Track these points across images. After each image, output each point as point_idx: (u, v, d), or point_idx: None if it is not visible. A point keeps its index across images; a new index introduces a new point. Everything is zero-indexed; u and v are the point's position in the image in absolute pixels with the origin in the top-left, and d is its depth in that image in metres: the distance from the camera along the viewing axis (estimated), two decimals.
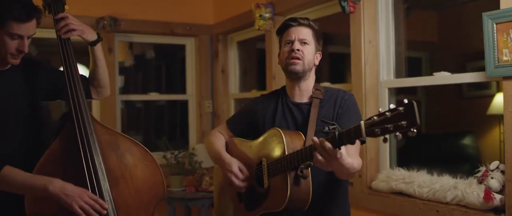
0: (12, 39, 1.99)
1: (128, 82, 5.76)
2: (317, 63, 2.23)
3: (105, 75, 2.31)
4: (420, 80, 3.05)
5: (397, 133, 1.52)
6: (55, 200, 1.86)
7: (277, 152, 2.06)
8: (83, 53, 2.31)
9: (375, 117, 1.59)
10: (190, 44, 5.07)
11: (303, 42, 2.15)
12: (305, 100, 2.22)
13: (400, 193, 2.94)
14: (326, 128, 1.79)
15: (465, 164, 4.12)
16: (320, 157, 1.77)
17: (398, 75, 3.22)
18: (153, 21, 4.69)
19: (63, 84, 2.26)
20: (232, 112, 4.95)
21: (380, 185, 3.05)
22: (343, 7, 3.18)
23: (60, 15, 2.15)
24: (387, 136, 1.56)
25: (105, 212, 1.90)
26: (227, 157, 2.28)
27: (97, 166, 1.94)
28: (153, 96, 5.19)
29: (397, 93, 3.26)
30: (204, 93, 4.99)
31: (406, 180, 2.91)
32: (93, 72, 2.29)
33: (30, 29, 2.01)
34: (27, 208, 1.95)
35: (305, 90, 2.22)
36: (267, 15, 3.97)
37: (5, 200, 2.03)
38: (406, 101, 1.52)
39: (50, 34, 2.49)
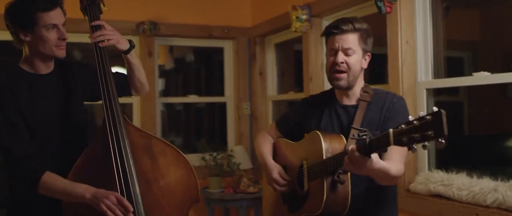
0: (50, 31, 2.07)
1: (168, 85, 5.87)
2: (365, 66, 2.17)
3: (141, 75, 2.38)
4: (459, 81, 2.98)
5: (426, 143, 1.45)
6: (91, 204, 1.92)
7: (316, 155, 2.03)
8: (119, 56, 2.37)
9: (403, 126, 1.53)
10: (228, 47, 5.11)
11: (347, 53, 2.08)
12: (353, 102, 2.18)
13: (439, 196, 2.88)
14: (356, 135, 1.75)
15: (507, 166, 3.99)
16: (349, 162, 1.75)
17: (437, 75, 3.16)
18: (192, 25, 4.75)
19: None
20: (270, 114, 4.96)
21: (418, 187, 2.99)
22: (379, 8, 3.14)
23: (96, 22, 2.21)
24: (415, 145, 1.49)
25: (130, 214, 1.93)
26: (269, 161, 2.30)
27: (127, 168, 1.98)
28: (192, 98, 5.26)
29: (437, 93, 3.20)
30: (242, 95, 5.02)
31: (444, 182, 2.85)
32: (129, 75, 2.36)
33: (59, 17, 2.11)
34: (64, 211, 2.02)
35: (353, 93, 2.18)
36: (304, 17, 3.96)
37: (44, 201, 2.10)
38: (435, 109, 1.44)
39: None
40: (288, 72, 5.08)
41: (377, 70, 4.96)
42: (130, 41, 2.27)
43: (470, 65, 5.23)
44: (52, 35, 2.08)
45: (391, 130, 1.58)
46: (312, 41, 4.02)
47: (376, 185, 2.01)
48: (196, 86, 6.42)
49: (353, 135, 1.83)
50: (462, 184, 2.75)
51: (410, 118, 1.52)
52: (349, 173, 1.96)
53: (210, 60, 6.10)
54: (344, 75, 2.09)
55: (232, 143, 5.03)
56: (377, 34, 4.55)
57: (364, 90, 2.16)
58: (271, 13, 4.62)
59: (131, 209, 1.93)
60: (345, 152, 1.81)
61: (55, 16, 2.08)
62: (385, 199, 2.16)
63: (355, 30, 2.09)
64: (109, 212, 1.89)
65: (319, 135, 2.05)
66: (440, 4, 3.24)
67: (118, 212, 1.90)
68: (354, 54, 2.09)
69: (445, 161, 3.17)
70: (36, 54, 2.12)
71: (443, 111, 1.42)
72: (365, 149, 1.69)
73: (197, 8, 4.81)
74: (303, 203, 2.11)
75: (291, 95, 4.65)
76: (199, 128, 6.24)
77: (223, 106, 5.25)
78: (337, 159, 1.88)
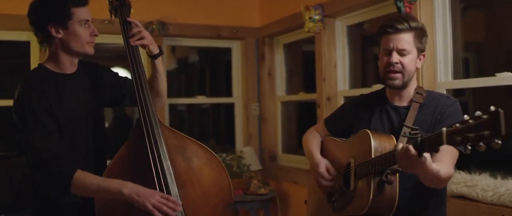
0: (83, 26, 2.04)
1: (171, 85, 5.81)
2: (419, 66, 2.12)
3: (163, 85, 2.33)
4: (481, 81, 2.97)
5: (481, 144, 1.39)
6: (128, 201, 1.88)
7: (364, 154, 2.00)
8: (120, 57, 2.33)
9: (457, 124, 1.48)
10: (236, 47, 5.07)
11: (402, 53, 2.03)
12: (404, 103, 2.13)
13: (462, 197, 2.87)
14: (408, 133, 1.72)
15: None
16: (401, 161, 1.72)
17: (456, 76, 3.15)
18: (200, 25, 4.71)
19: (126, 90, 2.31)
20: (278, 115, 4.93)
21: None
22: (398, 8, 3.13)
23: (131, 20, 2.19)
24: (469, 146, 1.43)
25: (178, 211, 1.91)
26: (317, 156, 2.29)
27: (165, 170, 1.95)
28: (200, 99, 5.22)
29: (454, 94, 3.18)
30: (250, 96, 4.99)
31: (468, 183, 2.84)
32: (151, 83, 2.30)
33: (89, 13, 2.08)
34: (98, 210, 1.98)
35: (406, 94, 2.13)
36: (317, 17, 3.94)
37: (72, 204, 2.06)
38: (492, 108, 1.38)
39: (106, 39, 2.54)
40: (296, 72, 5.05)
41: None
42: (160, 47, 2.25)
43: (475, 66, 5.24)
44: (85, 31, 2.05)
45: (444, 129, 1.53)
46: (325, 42, 4.00)
47: (425, 187, 1.97)
48: (200, 86, 6.37)
49: (405, 133, 1.79)
50: (486, 185, 2.74)
51: (466, 117, 1.47)
52: (397, 175, 1.92)
53: (215, 61, 6.06)
54: (398, 75, 2.05)
55: (241, 144, 5.00)
56: None
57: (417, 91, 2.12)
58: (280, 13, 4.60)
59: (180, 203, 1.91)
60: (394, 151, 1.78)
61: (87, 12, 2.06)
62: (434, 203, 2.12)
63: (410, 29, 2.04)
64: (156, 211, 1.86)
65: (368, 133, 2.01)
66: (458, 4, 3.24)
67: (166, 209, 1.87)
68: (409, 54, 2.04)
69: (466, 162, 3.15)
70: (66, 51, 2.07)
71: (501, 110, 1.37)
72: (417, 147, 1.65)
73: (206, 8, 4.77)
74: (349, 202, 2.07)
75: (301, 96, 4.63)
76: (203, 130, 6.19)
77: (228, 107, 5.21)
78: (386, 158, 1.84)
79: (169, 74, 5.75)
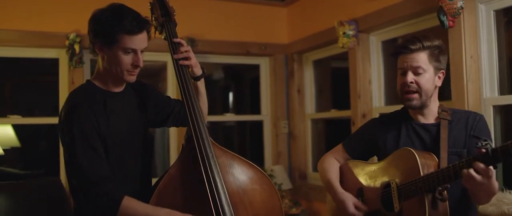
0: (126, 54, 1.95)
1: None
2: (439, 84, 2.11)
3: (205, 107, 2.27)
4: None
5: None
6: None
7: (409, 173, 1.94)
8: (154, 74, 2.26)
9: None
10: (264, 64, 5.01)
11: (417, 72, 2.03)
12: (431, 121, 2.12)
13: None
14: (479, 144, 1.67)
15: None
16: (474, 175, 1.67)
17: (502, 92, 3.04)
18: (229, 41, 4.66)
19: (170, 110, 2.26)
20: (308, 132, 4.83)
21: (489, 209, 2.84)
22: (442, 22, 3.04)
23: (178, 40, 2.15)
24: None
25: None
26: (339, 192, 2.18)
27: (220, 190, 1.86)
28: (229, 116, 5.14)
29: (502, 111, 3.08)
30: (279, 113, 4.90)
31: None
32: None
33: (142, 42, 1.98)
34: None
35: (430, 112, 2.12)
36: (351, 32, 3.87)
37: None
38: None
39: (146, 57, 2.47)
40: (325, 89, 4.96)
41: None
42: (202, 68, 2.19)
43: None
44: (126, 60, 1.96)
45: None
46: (359, 57, 3.92)
47: (463, 205, 1.98)
48: (225, 104, 6.31)
49: (477, 144, 1.75)
50: None
51: None
52: (446, 192, 1.86)
53: (240, 78, 5.99)
54: (415, 95, 2.05)
55: (270, 163, 4.89)
56: None
57: (442, 109, 2.11)
58: (309, 29, 4.54)
59: None
60: (457, 165, 1.75)
61: (137, 41, 1.95)
62: None
63: (424, 48, 2.04)
64: None
65: (413, 152, 1.97)
66: (502, 18, 3.14)
67: None
68: (425, 73, 2.04)
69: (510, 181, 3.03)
70: (108, 71, 2.00)
71: None
72: (488, 158, 1.63)
73: (235, 25, 4.72)
74: None
75: (333, 113, 4.53)
76: (229, 147, 6.12)
77: (254, 124, 5.12)
78: (443, 174, 1.81)
79: None
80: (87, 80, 2.06)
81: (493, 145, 1.68)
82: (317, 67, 4.89)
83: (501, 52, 3.09)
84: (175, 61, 2.10)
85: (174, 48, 2.13)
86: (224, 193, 1.87)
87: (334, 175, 2.26)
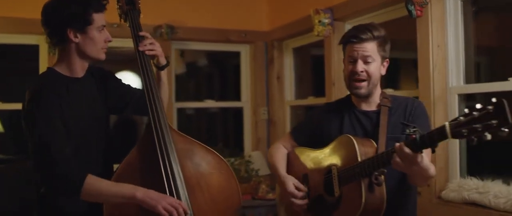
0: (100, 32, 2.05)
1: (179, 89, 5.81)
2: (383, 72, 2.18)
3: (166, 97, 2.32)
4: (493, 86, 2.92)
5: (486, 134, 1.47)
6: (141, 205, 1.87)
7: (348, 159, 2.02)
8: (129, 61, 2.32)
9: (461, 118, 1.54)
10: (245, 51, 5.06)
11: (366, 61, 2.09)
12: (372, 108, 2.19)
13: (473, 204, 2.82)
14: (407, 130, 1.75)
15: None
16: (399, 160, 1.74)
17: (468, 80, 3.11)
18: (209, 29, 4.70)
19: (129, 98, 2.31)
20: (287, 119, 4.90)
21: (450, 195, 2.94)
22: (410, 11, 3.10)
23: (144, 33, 2.20)
24: (475, 137, 1.51)
25: (189, 212, 1.90)
26: (282, 174, 2.26)
27: (176, 174, 1.93)
28: (209, 103, 5.20)
29: (466, 99, 3.14)
30: (259, 100, 4.97)
31: (480, 190, 2.79)
32: None
33: (104, 18, 2.09)
34: (106, 213, 1.95)
35: (373, 100, 2.19)
36: (326, 20, 3.92)
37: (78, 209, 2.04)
38: (494, 99, 1.47)
39: (116, 43, 2.53)
40: (305, 77, 5.02)
41: (396, 75, 4.93)
42: (167, 58, 2.26)
43: (486, 71, 5.19)
44: (101, 37, 2.06)
45: (447, 123, 1.58)
46: (334, 46, 3.97)
47: (402, 188, 2.07)
48: (208, 90, 6.36)
49: (405, 131, 1.82)
50: (499, 191, 2.70)
51: (466, 110, 1.54)
52: (383, 176, 1.93)
53: (224, 65, 6.04)
54: (364, 84, 2.11)
55: (249, 149, 4.97)
56: (399, 38, 4.52)
57: (383, 96, 2.19)
58: (289, 17, 4.58)
59: (188, 212, 1.90)
60: (390, 151, 1.81)
61: (104, 18, 2.06)
62: (409, 204, 2.17)
63: (374, 38, 2.10)
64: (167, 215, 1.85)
65: (351, 138, 2.04)
66: (470, 8, 3.20)
67: (176, 214, 1.86)
68: (374, 62, 2.10)
69: (477, 167, 3.11)
70: (80, 55, 2.06)
71: (504, 100, 1.46)
72: (416, 144, 1.69)
73: (215, 12, 4.76)
74: (334, 210, 2.07)
75: (311, 100, 4.60)
76: (212, 134, 6.18)
77: (237, 111, 5.19)
78: (378, 160, 1.87)
79: (178, 78, 5.74)
80: (49, 68, 2.12)
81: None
82: (297, 55, 4.95)
83: (468, 41, 3.15)
84: (137, 47, 2.15)
85: (137, 37, 2.18)
86: (179, 176, 1.94)
87: (279, 161, 2.33)
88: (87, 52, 2.05)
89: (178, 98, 5.27)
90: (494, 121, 1.45)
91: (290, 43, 4.89)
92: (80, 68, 2.10)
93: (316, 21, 3.94)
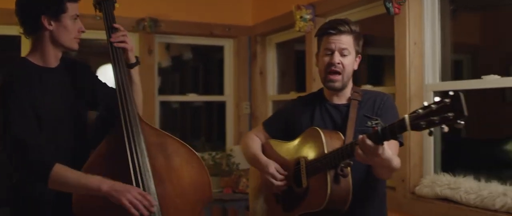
0: (74, 22, 2.08)
1: (165, 83, 5.82)
2: (356, 67, 2.21)
3: (138, 97, 2.29)
4: (467, 84, 2.97)
5: (443, 126, 1.50)
6: (107, 197, 1.88)
7: (316, 151, 2.05)
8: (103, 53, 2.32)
9: (420, 110, 1.57)
10: (228, 45, 5.07)
11: (343, 54, 2.12)
12: (343, 101, 2.22)
13: (445, 199, 2.87)
14: (369, 123, 1.78)
15: (510, 171, 4.00)
16: (361, 152, 1.76)
17: (443, 78, 3.15)
18: (193, 22, 4.71)
19: (102, 96, 2.31)
20: (270, 114, 4.93)
21: (424, 190, 2.98)
22: (387, 8, 3.13)
23: (118, 26, 2.20)
24: (433, 129, 1.54)
25: (153, 209, 1.91)
26: (263, 159, 2.29)
27: (143, 167, 1.95)
28: (192, 97, 5.21)
29: (442, 96, 3.18)
30: (242, 94, 4.99)
31: (451, 185, 2.84)
32: None
33: (78, 9, 2.11)
34: (74, 205, 1.97)
35: (344, 93, 2.23)
36: (308, 16, 3.94)
37: (51, 198, 2.06)
38: (451, 93, 1.50)
39: (88, 35, 2.53)
40: (288, 72, 5.05)
41: (379, 72, 4.98)
42: (137, 57, 2.25)
43: (469, 68, 5.24)
44: (74, 26, 2.09)
45: (406, 115, 1.61)
46: (315, 41, 3.98)
47: (370, 181, 2.10)
48: (193, 84, 6.38)
49: (367, 123, 1.84)
50: (469, 187, 2.74)
51: (425, 103, 1.57)
52: (349, 168, 1.97)
53: (208, 59, 6.06)
54: (339, 77, 2.14)
55: (231, 143, 4.99)
56: (379, 35, 4.56)
57: (354, 90, 2.22)
58: (273, 12, 4.60)
59: (155, 203, 1.91)
60: (353, 143, 1.85)
61: (77, 8, 2.09)
62: (377, 196, 2.21)
63: (351, 31, 2.13)
64: (132, 208, 1.86)
65: (318, 131, 2.07)
66: (448, 6, 3.24)
67: (141, 207, 1.87)
68: (349, 55, 2.14)
69: (451, 164, 3.16)
70: (54, 44, 2.09)
71: (461, 93, 1.48)
72: (378, 136, 1.72)
73: (198, 5, 4.77)
74: (301, 200, 2.11)
75: (292, 95, 4.62)
76: (196, 127, 6.20)
77: (221, 105, 5.21)
78: (342, 152, 1.91)
79: (163, 71, 5.75)
80: (21, 57, 2.13)
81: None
82: (281, 50, 4.97)
83: (445, 39, 3.19)
84: (111, 44, 2.16)
85: (110, 29, 2.19)
86: (147, 169, 1.96)
87: (256, 148, 2.36)
88: (61, 40, 2.07)
89: (163, 91, 5.29)
90: (450, 114, 1.48)
91: (273, 38, 4.91)
92: (53, 58, 2.12)
93: (298, 16, 3.96)
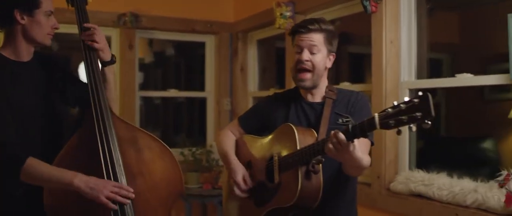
0: (48, 17, 2.07)
1: (147, 78, 5.81)
2: (329, 66, 2.22)
3: (111, 95, 2.24)
4: (442, 82, 3.01)
5: (411, 125, 1.53)
6: (79, 193, 1.87)
7: (289, 147, 2.07)
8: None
9: (389, 109, 1.60)
10: (210, 42, 5.08)
11: (312, 51, 2.13)
12: (318, 100, 2.24)
13: (419, 196, 2.91)
14: (340, 120, 1.81)
15: (484, 167, 4.07)
16: (332, 148, 1.78)
17: (419, 76, 3.19)
18: (174, 18, 4.70)
19: (77, 91, 2.27)
20: None
21: (398, 187, 3.02)
22: (365, 7, 3.16)
23: (90, 25, 2.15)
24: (401, 128, 1.57)
25: (132, 195, 1.92)
26: (233, 162, 2.30)
27: (115, 161, 1.95)
28: (172, 93, 5.21)
29: (412, 96, 3.21)
30: (223, 91, 5.00)
31: (425, 182, 2.87)
32: None
33: (52, 5, 2.10)
34: (45, 199, 1.97)
35: (318, 92, 2.24)
36: (288, 13, 3.96)
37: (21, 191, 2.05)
38: (420, 93, 1.53)
39: (71, 29, 2.52)
40: (269, 68, 5.07)
41: (359, 70, 5.01)
42: (113, 55, 2.21)
43: (448, 67, 5.31)
44: (48, 22, 2.07)
45: (376, 114, 1.64)
46: None
47: (340, 178, 2.13)
48: (175, 80, 6.37)
49: (338, 121, 1.87)
50: (442, 184, 2.78)
51: (395, 102, 1.60)
52: (320, 165, 1.99)
53: (191, 55, 6.05)
54: (308, 75, 2.15)
55: (211, 139, 5.00)
56: (359, 33, 4.59)
57: (329, 89, 2.24)
58: (254, 9, 4.61)
59: (132, 196, 1.91)
60: (325, 140, 1.86)
61: (52, 4, 2.07)
62: (347, 194, 2.23)
63: (321, 30, 2.15)
64: (110, 203, 1.87)
65: (292, 127, 2.09)
66: (424, 5, 3.27)
67: (120, 198, 1.88)
68: (319, 52, 2.14)
69: (425, 161, 3.20)
70: (26, 38, 2.07)
71: (429, 94, 1.51)
72: (348, 134, 1.74)
73: (180, 1, 4.77)
74: (273, 196, 2.13)
75: (273, 92, 4.64)
76: (177, 123, 6.20)
77: (202, 101, 5.21)
78: (314, 148, 1.93)
79: (146, 67, 5.74)
80: None
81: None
82: (262, 46, 4.99)
83: (421, 38, 3.22)
84: (81, 33, 2.15)
85: (82, 20, 2.17)
86: (119, 162, 1.95)
87: (229, 147, 2.37)
88: (33, 35, 2.06)
89: (146, 87, 5.28)
90: (418, 114, 1.50)
91: (255, 35, 4.93)
92: (25, 52, 2.11)
93: (278, 14, 3.98)
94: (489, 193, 2.51)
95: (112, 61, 2.20)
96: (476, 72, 2.81)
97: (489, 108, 5.04)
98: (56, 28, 2.12)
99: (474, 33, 4.89)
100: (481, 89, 4.89)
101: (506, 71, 2.46)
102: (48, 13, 2.07)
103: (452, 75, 2.85)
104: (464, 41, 5.17)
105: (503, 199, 2.42)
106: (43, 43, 2.11)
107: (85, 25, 2.16)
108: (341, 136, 1.74)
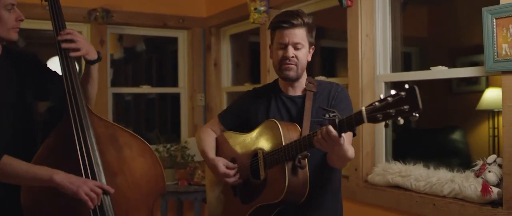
0: (9, 12, 1.99)
1: (117, 74, 5.72)
2: (310, 59, 2.21)
3: (94, 91, 2.23)
4: (417, 74, 3.04)
5: (399, 118, 1.54)
6: (59, 189, 1.83)
7: (273, 143, 2.06)
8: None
9: (376, 103, 1.60)
10: (182, 37, 5.03)
11: (297, 47, 2.11)
12: (298, 93, 2.23)
13: (397, 187, 2.95)
14: (327, 115, 1.80)
15: (455, 157, 4.16)
16: (322, 140, 1.79)
17: (394, 69, 3.22)
18: (146, 13, 4.64)
19: (53, 86, 2.21)
20: (224, 105, 4.92)
21: (376, 178, 3.05)
22: (340, 1, 3.17)
23: (66, 33, 2.07)
24: (389, 121, 1.57)
25: (112, 190, 1.89)
26: (211, 157, 2.28)
27: (92, 159, 1.91)
28: (145, 89, 5.15)
29: (392, 87, 3.26)
30: (196, 86, 4.96)
31: (402, 173, 2.92)
32: (82, 86, 2.15)
33: None
34: (23, 199, 1.92)
35: (299, 85, 2.23)
36: (262, 8, 3.95)
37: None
38: (407, 86, 1.53)
39: (38, 25, 2.46)
40: (242, 63, 5.06)
41: (332, 64, 5.05)
42: (98, 52, 2.17)
43: (417, 60, 5.40)
44: (10, 16, 1.99)
45: (363, 108, 1.64)
46: (269, 33, 4.00)
47: (325, 172, 2.14)
48: (147, 76, 6.29)
49: (324, 115, 1.88)
50: (419, 175, 2.83)
51: (382, 96, 1.60)
52: (306, 159, 1.99)
53: (162, 50, 5.99)
54: (293, 67, 2.13)
55: (186, 135, 4.96)
56: (332, 28, 4.62)
57: (309, 81, 2.23)
58: (227, 3, 4.58)
59: (112, 191, 1.88)
60: (311, 135, 1.87)
61: None
62: (333, 187, 2.23)
63: (304, 24, 2.12)
64: (89, 201, 1.83)
65: (276, 122, 2.08)
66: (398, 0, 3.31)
67: (96, 196, 1.84)
68: (303, 48, 2.13)
69: (401, 153, 3.25)
70: None
71: (416, 86, 1.52)
72: (336, 128, 1.75)
73: None
74: (259, 192, 2.11)
75: (247, 87, 4.63)
76: (150, 119, 6.12)
77: (175, 97, 5.16)
78: (300, 143, 1.92)
79: (116, 63, 5.65)
80: None
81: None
82: (235, 41, 4.97)
83: (395, 31, 3.26)
84: (55, 32, 2.08)
85: (57, 18, 2.11)
86: (97, 160, 1.92)
87: (208, 145, 2.34)
88: None
89: (116, 83, 5.19)
90: (406, 107, 1.51)
91: (228, 30, 4.90)
92: None
93: (252, 8, 3.96)
94: (466, 182, 2.56)
95: (99, 59, 2.15)
96: (446, 65, 2.86)
97: (457, 100, 5.16)
98: (21, 20, 2.03)
99: (442, 27, 4.99)
100: (449, 82, 5.00)
101: (475, 64, 2.50)
102: (9, 7, 1.99)
103: (421, 68, 2.89)
104: (433, 35, 5.27)
105: (479, 188, 2.48)
106: (9, 38, 2.03)
107: (63, 34, 2.07)
108: (333, 132, 1.74)
